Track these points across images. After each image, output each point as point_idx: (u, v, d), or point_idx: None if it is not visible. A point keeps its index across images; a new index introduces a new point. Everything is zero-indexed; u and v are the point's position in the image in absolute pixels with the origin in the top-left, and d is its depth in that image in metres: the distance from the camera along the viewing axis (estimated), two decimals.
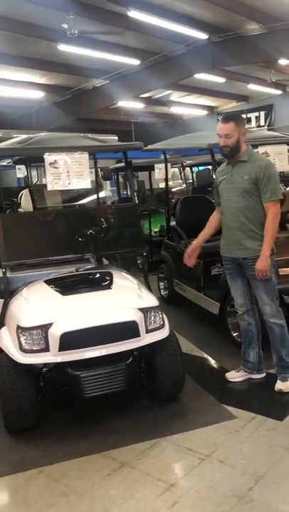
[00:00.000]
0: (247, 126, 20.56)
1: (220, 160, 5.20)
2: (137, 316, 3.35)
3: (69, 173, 3.70)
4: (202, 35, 11.58)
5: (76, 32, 9.73)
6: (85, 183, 3.74)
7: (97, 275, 3.92)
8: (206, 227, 4.10)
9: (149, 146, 5.57)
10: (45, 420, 3.48)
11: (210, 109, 21.96)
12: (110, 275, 3.82)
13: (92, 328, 3.24)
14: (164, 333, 3.53)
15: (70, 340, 3.19)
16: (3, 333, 3.56)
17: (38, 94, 14.99)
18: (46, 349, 3.22)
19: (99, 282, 3.73)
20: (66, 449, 3.21)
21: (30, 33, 10.41)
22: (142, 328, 3.37)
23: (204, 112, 22.05)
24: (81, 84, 15.13)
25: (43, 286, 3.65)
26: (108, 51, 11.96)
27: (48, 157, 3.63)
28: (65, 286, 3.64)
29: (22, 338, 3.26)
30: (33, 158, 7.97)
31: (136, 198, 4.05)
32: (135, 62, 13.10)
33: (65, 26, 9.57)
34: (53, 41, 10.84)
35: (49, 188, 3.64)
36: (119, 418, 3.56)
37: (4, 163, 11.71)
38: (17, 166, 10.56)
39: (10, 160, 11.53)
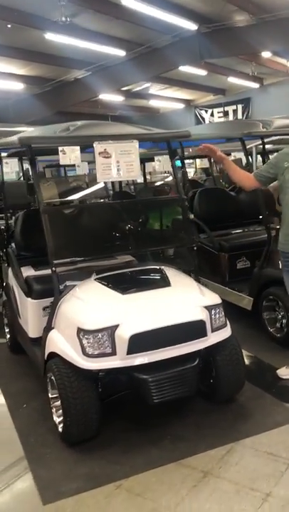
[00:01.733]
0: (224, 119, 20.68)
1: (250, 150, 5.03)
2: (204, 315, 3.16)
3: (119, 163, 3.45)
4: (191, 26, 11.41)
5: (68, 20, 9.37)
6: (135, 173, 3.50)
7: (150, 272, 3.69)
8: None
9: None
10: (104, 428, 3.24)
11: (187, 102, 21.89)
12: (162, 271, 3.60)
13: (162, 328, 3.02)
14: (227, 332, 3.35)
15: (139, 342, 2.96)
16: (56, 337, 3.29)
17: (18, 86, 14.47)
18: (113, 353, 2.98)
19: (155, 279, 3.50)
20: (137, 459, 2.99)
21: (18, 20, 9.97)
22: (208, 327, 3.18)
23: (181, 106, 21.97)
24: (62, 76, 14.72)
25: (97, 285, 3.39)
26: (94, 41, 11.64)
27: (98, 146, 3.37)
28: (121, 284, 3.40)
29: (85, 342, 3.01)
30: (38, 150, 7.67)
31: (183, 191, 3.84)
32: (121, 53, 12.81)
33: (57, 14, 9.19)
34: (40, 29, 10.42)
35: (99, 179, 3.38)
36: (181, 423, 3.36)
37: None
38: (4, 160, 10.14)
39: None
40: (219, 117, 21.25)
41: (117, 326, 2.99)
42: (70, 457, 3.08)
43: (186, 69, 14.77)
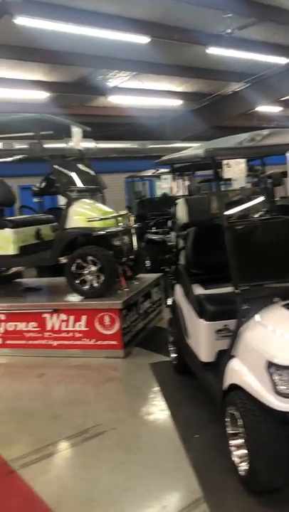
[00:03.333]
0: None
1: None
2: None
3: None
4: None
5: (233, 31, 9.15)
6: None
7: None
8: None
9: None
10: None
11: None
12: None
13: None
14: None
15: None
16: (239, 367, 2.96)
17: (176, 103, 14.70)
18: None
19: None
20: None
21: (180, 38, 10.06)
22: None
23: None
24: (220, 89, 14.57)
25: (286, 313, 2.98)
26: (257, 50, 11.23)
27: None
28: None
29: (276, 378, 2.62)
30: (198, 165, 7.53)
31: None
32: (282, 60, 12.18)
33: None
34: (202, 45, 10.38)
35: None
36: None
37: (149, 173, 11.56)
38: (162, 177, 10.28)
39: (155, 170, 11.39)
40: None
41: None
42: (255, 509, 2.70)
43: None
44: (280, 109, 17.21)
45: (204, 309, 3.81)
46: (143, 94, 13.44)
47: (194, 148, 3.97)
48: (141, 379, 4.77)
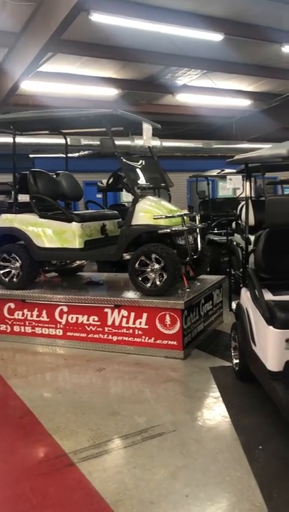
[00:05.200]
0: None
1: None
2: None
3: None
4: None
5: None
6: None
7: None
8: None
9: None
10: None
11: None
12: None
13: None
14: None
15: None
16: None
17: (245, 103, 14.38)
18: None
19: None
20: None
21: (253, 35, 9.80)
22: None
23: None
24: None
25: None
26: None
27: None
28: None
29: None
30: (267, 167, 7.30)
31: None
32: None
33: None
34: (277, 42, 10.07)
35: None
36: None
37: (214, 173, 11.40)
38: (228, 177, 10.09)
39: (220, 170, 11.22)
40: None
41: None
42: None
43: None
44: None
45: (274, 316, 3.65)
46: (212, 93, 13.24)
47: (273, 147, 3.81)
48: (201, 382, 4.67)
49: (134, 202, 5.83)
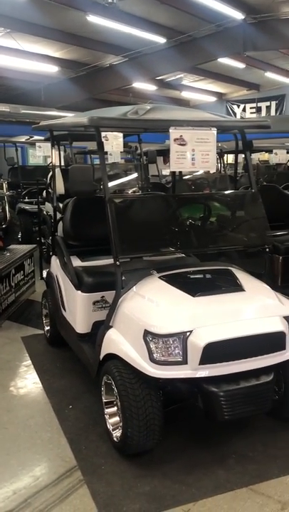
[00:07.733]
0: (256, 115, 20.18)
1: None
2: (284, 326, 2.86)
3: (194, 151, 3.15)
4: (238, 15, 10.99)
5: (114, 1, 9.03)
6: (210, 165, 3.20)
7: (218, 273, 3.39)
8: None
9: None
10: (161, 441, 2.96)
11: (219, 95, 21.45)
12: (232, 273, 3.30)
13: (240, 338, 2.73)
14: None
15: (215, 352, 2.67)
16: (116, 337, 3.01)
17: (52, 69, 14.14)
18: (184, 361, 2.70)
19: (226, 282, 3.20)
20: (203, 481, 2.72)
21: (61, 0, 9.64)
22: (287, 340, 2.88)
23: (213, 99, 21.52)
24: (98, 61, 14.38)
25: (162, 283, 3.09)
26: (137, 26, 11.28)
27: (174, 132, 3.07)
28: (190, 285, 3.11)
29: (152, 347, 2.72)
30: (75, 135, 7.35)
31: (256, 185, 3.53)
32: (161, 40, 12.44)
33: None
34: (82, 11, 10.09)
35: (172, 168, 3.09)
36: (246, 441, 3.09)
37: (23, 140, 10.99)
38: (37, 144, 9.85)
39: (28, 136, 10.86)
40: (251, 113, 20.79)
41: (190, 332, 2.70)
42: (129, 471, 2.81)
43: (223, 61, 14.36)
44: (155, 88, 17.60)
45: (81, 281, 3.79)
46: (17, 54, 12.67)
47: (76, 116, 3.86)
48: (12, 353, 4.61)
49: None
